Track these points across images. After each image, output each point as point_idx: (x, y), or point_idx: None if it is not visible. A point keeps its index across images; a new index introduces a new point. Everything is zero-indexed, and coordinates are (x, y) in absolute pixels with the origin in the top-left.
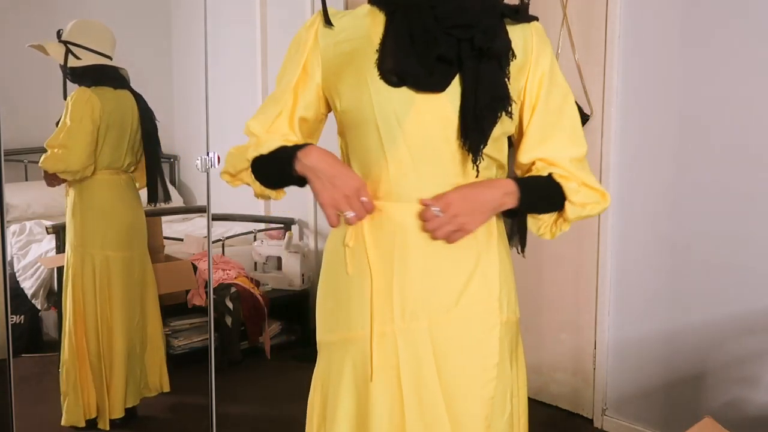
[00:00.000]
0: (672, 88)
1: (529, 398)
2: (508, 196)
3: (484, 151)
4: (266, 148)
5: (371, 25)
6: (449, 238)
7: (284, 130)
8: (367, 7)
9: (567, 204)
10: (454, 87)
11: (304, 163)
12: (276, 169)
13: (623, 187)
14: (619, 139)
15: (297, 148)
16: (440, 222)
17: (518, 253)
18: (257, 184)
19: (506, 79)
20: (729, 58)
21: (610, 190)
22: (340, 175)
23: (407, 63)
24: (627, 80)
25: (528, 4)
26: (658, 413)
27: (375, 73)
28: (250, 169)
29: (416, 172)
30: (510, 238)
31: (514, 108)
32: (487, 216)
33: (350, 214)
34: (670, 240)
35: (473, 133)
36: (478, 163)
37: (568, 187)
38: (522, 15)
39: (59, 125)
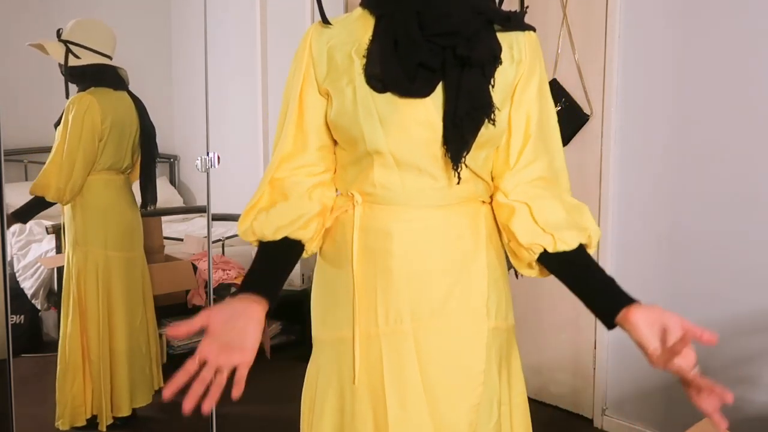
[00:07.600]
0: (672, 88)
1: (529, 398)
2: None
3: (470, 166)
4: (272, 229)
5: (362, 29)
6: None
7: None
8: (359, 10)
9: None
10: (439, 94)
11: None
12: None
13: (623, 187)
14: (619, 139)
15: (255, 282)
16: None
17: (516, 277)
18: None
19: (490, 87)
20: (729, 57)
21: (610, 190)
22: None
23: (391, 69)
24: (627, 80)
25: (525, 12)
26: (658, 413)
27: (362, 78)
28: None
29: (401, 177)
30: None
31: (498, 115)
32: None
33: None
34: (670, 240)
35: (453, 140)
36: (459, 170)
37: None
38: (514, 23)
39: (57, 136)
